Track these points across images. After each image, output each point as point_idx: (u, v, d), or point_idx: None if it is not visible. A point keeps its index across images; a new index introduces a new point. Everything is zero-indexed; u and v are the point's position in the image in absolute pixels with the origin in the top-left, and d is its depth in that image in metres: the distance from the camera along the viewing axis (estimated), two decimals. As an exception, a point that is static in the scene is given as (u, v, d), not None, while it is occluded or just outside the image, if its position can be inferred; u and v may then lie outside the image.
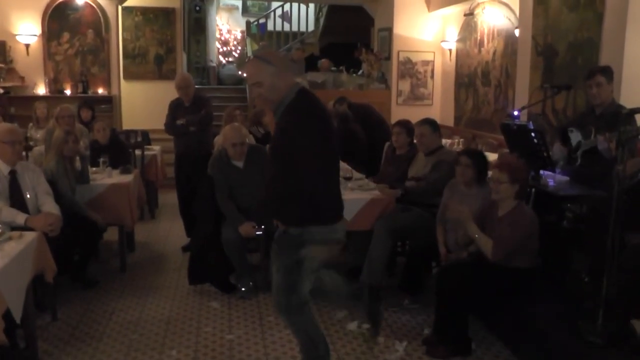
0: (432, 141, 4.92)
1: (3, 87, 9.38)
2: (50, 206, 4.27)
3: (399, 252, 5.20)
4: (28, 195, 4.29)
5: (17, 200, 4.22)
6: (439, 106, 10.00)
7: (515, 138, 4.50)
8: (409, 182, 4.91)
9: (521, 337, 3.89)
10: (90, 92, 10.05)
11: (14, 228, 3.90)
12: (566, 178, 4.30)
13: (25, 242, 3.51)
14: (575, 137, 4.27)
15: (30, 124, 7.50)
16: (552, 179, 4.29)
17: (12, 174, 4.25)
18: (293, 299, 3.10)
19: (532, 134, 4.13)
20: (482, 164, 4.24)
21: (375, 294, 4.56)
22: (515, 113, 4.68)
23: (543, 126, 4.69)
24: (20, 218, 4.03)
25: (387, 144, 6.58)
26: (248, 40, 12.85)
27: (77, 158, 5.21)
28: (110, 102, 10.04)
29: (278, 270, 3.16)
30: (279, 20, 12.80)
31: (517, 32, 7.18)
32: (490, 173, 3.96)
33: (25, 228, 3.92)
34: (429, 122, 4.99)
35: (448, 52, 9.54)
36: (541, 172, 4.32)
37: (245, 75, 2.84)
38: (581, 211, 3.95)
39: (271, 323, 4.29)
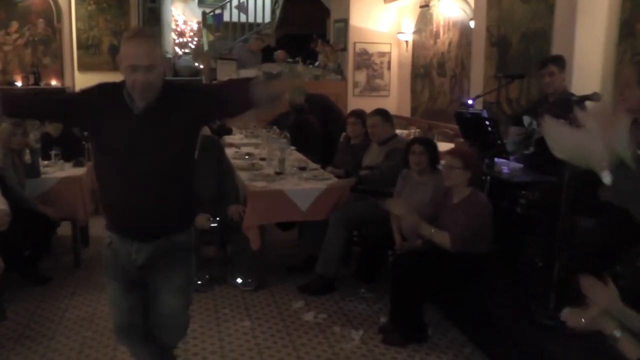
0: (383, 131, 4.94)
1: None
2: (-3, 200, 4.15)
3: (354, 242, 5.21)
4: (-26, 190, 4.16)
5: (-39, 195, 4.10)
6: (395, 97, 10.03)
7: (469, 126, 4.54)
8: (363, 171, 4.92)
9: (476, 323, 3.95)
10: (42, 84, 9.83)
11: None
12: (520, 165, 4.36)
13: (-32, 238, 3.40)
14: (528, 125, 4.33)
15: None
16: (506, 166, 4.34)
17: (-43, 168, 4.13)
18: None
19: (486, 122, 4.17)
20: (434, 151, 4.27)
21: (330, 285, 4.60)
22: (470, 102, 4.73)
23: (497, 115, 4.73)
24: (-35, 214, 3.91)
25: (343, 134, 6.60)
26: (204, 32, 12.68)
27: (27, 151, 5.08)
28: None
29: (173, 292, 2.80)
30: (235, 11, 12.65)
31: (472, 24, 7.24)
32: (442, 161, 3.99)
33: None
34: (380, 113, 5.01)
35: (404, 43, 9.57)
36: (495, 159, 4.36)
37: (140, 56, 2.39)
38: (534, 197, 4.00)
39: (227, 315, 4.25)
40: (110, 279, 2.76)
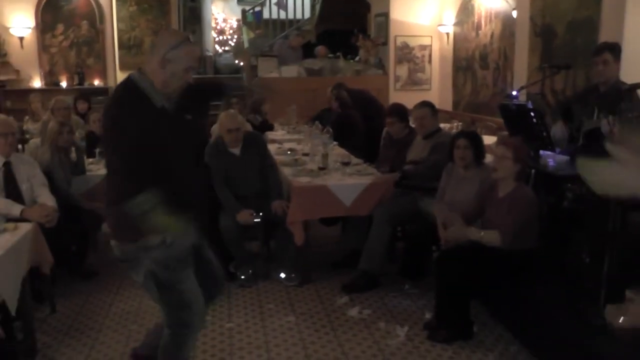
0: (431, 124, 4.88)
1: (-2, 81, 9.33)
2: (46, 197, 4.24)
3: (398, 237, 5.17)
4: (24, 187, 4.25)
5: (12, 191, 4.19)
6: (437, 91, 9.92)
7: (514, 118, 4.44)
8: (407, 165, 4.86)
9: (522, 320, 3.86)
10: (86, 84, 10.01)
11: (10, 219, 3.87)
12: (566, 158, 4.24)
13: (20, 233, 3.48)
14: (577, 114, 4.22)
15: (26, 117, 7.48)
16: (552, 159, 4.23)
17: (7, 165, 4.22)
18: None
19: (532, 114, 4.07)
20: (479, 145, 4.20)
21: (374, 281, 4.56)
22: (514, 93, 4.62)
23: (542, 106, 4.62)
24: (15, 209, 4.00)
25: (385, 129, 6.55)
26: (244, 29, 12.72)
27: (73, 149, 5.16)
28: (107, 93, 9.95)
29: None
30: (274, 8, 12.65)
31: (514, 14, 7.11)
32: (488, 154, 3.90)
33: (21, 219, 3.89)
34: (428, 105, 4.95)
35: (445, 36, 9.46)
36: (540, 152, 4.27)
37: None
38: (581, 191, 3.90)
39: (271, 310, 4.25)
40: (183, 272, 2.74)
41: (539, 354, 3.60)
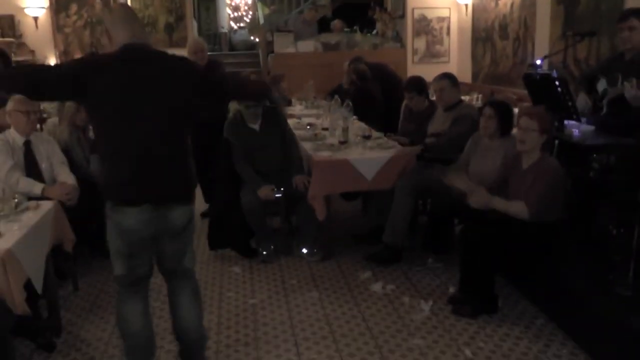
0: (451, 96, 4.79)
1: (14, 62, 9.29)
2: (66, 175, 4.23)
3: (420, 211, 5.11)
4: (43, 166, 4.24)
5: (32, 170, 4.17)
6: (455, 63, 9.78)
7: (538, 88, 4.34)
8: (429, 138, 4.79)
9: (548, 294, 3.80)
10: (101, 63, 9.94)
11: (31, 198, 3.87)
12: (591, 128, 4.15)
13: (42, 212, 3.48)
14: (601, 84, 4.12)
15: (43, 97, 7.45)
16: (577, 129, 4.14)
17: (27, 144, 4.20)
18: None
19: (556, 83, 3.97)
20: (505, 115, 4.11)
21: (397, 255, 4.52)
22: (538, 62, 4.52)
23: (566, 75, 4.51)
24: (37, 188, 3.99)
25: (404, 102, 6.46)
26: (259, 5, 12.60)
27: (90, 128, 5.14)
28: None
29: None
30: (289, -17, 12.55)
31: (535, -18, 6.96)
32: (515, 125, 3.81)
33: (42, 198, 3.89)
34: (448, 76, 4.86)
35: (464, 7, 9.29)
36: (565, 122, 4.17)
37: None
38: (608, 161, 3.81)
39: (294, 286, 4.23)
40: (116, 246, 2.96)
41: (565, 327, 3.55)
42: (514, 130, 4.03)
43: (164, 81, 2.67)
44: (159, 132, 2.67)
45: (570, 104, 3.98)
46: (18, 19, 9.72)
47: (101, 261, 4.77)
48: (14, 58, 9.30)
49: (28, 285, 3.14)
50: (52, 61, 9.87)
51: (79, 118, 4.83)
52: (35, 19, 9.72)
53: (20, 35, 9.79)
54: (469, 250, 3.75)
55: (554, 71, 4.01)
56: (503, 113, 4.12)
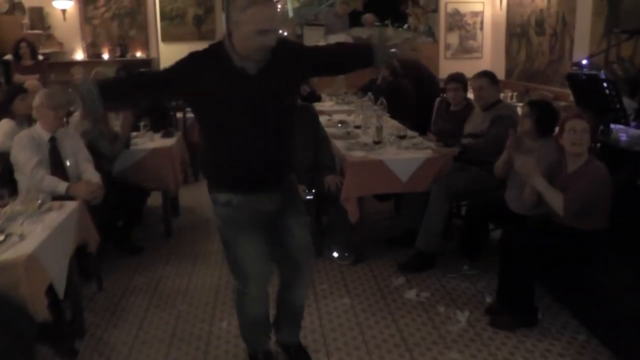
0: (490, 94, 4.58)
1: (43, 54, 9.27)
2: (91, 173, 4.13)
3: (454, 213, 4.92)
4: (68, 163, 4.14)
5: (57, 168, 4.08)
6: (489, 59, 9.54)
7: (583, 89, 4.13)
8: (466, 139, 4.59)
9: (590, 306, 3.58)
10: (128, 56, 9.90)
11: (55, 197, 3.77)
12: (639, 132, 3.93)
13: (66, 212, 3.35)
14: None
15: (69, 90, 7.38)
16: (624, 133, 3.92)
17: (53, 141, 4.11)
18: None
19: (604, 84, 3.76)
20: (543, 115, 3.88)
21: (431, 261, 4.34)
22: (584, 62, 4.29)
23: (613, 77, 4.29)
24: (61, 187, 3.89)
25: (438, 99, 6.26)
26: (289, -3, 12.49)
27: (117, 122, 5.04)
28: (150, 65, 9.86)
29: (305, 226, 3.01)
30: (320, -24, 12.37)
31: (576, -24, 6.69)
32: (563, 125, 3.57)
33: (66, 197, 3.78)
34: (487, 75, 4.65)
35: (499, 1, 9.03)
36: (611, 126, 3.95)
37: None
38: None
39: (325, 292, 4.07)
40: (239, 234, 2.78)
41: (609, 343, 3.34)
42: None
43: None
44: None
45: (618, 106, 3.77)
46: (47, 11, 9.70)
47: (127, 259, 4.70)
48: (42, 50, 9.32)
49: (50, 288, 3.03)
50: (80, 53, 9.83)
51: None
52: (64, 11, 9.67)
53: (49, 27, 9.77)
54: (509, 258, 3.56)
55: (602, 72, 3.79)
56: (540, 112, 3.90)
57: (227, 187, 2.76)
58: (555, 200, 3.43)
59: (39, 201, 3.34)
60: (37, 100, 4.09)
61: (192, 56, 2.64)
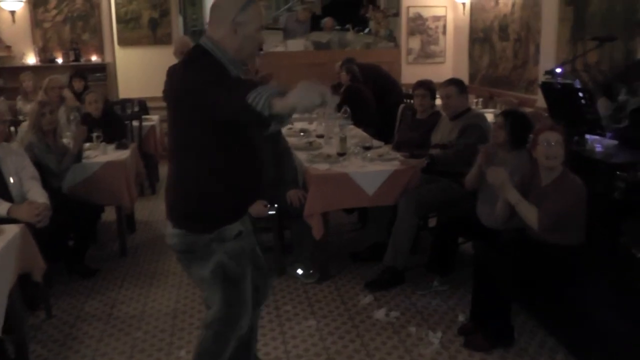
0: (459, 103, 4.43)
1: (-12, 58, 8.87)
2: (37, 192, 3.83)
3: (422, 226, 4.76)
4: (11, 181, 3.84)
5: (-2, 186, 3.78)
6: (451, 64, 9.44)
7: (557, 98, 4.00)
8: (434, 149, 4.43)
9: (567, 323, 3.46)
10: (82, 60, 9.53)
11: (-2, 219, 3.49)
12: (614, 142, 3.82)
13: (6, 239, 3.05)
14: (622, 94, 3.80)
15: (19, 97, 7.07)
16: (599, 144, 3.80)
17: (-7, 157, 3.81)
18: None
19: (580, 94, 3.63)
20: (518, 127, 3.74)
21: (400, 277, 4.17)
22: (558, 70, 4.16)
23: (589, 86, 4.18)
24: (2, 208, 3.60)
25: (402, 106, 6.13)
26: (246, 1, 12.24)
27: (68, 134, 4.75)
28: (104, 70, 9.51)
29: None
30: (278, -22, 12.17)
31: (540, -19, 6.61)
32: (537, 137, 3.42)
33: (8, 219, 3.49)
34: (455, 82, 4.49)
35: (461, 5, 8.94)
36: (586, 136, 3.83)
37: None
38: (636, 179, 3.48)
39: (289, 313, 3.86)
40: (246, 265, 2.50)
41: (588, 360, 3.21)
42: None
43: None
44: None
45: (593, 116, 3.64)
46: (-6, 13, 9.27)
47: (79, 282, 4.41)
48: (-12, 54, 8.89)
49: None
50: (31, 58, 9.44)
51: (44, 121, 4.42)
52: (12, 12, 9.25)
53: (-4, 31, 9.33)
54: (483, 275, 3.42)
55: (577, 81, 3.67)
56: (514, 124, 3.76)
57: (238, 216, 2.46)
58: (529, 213, 3.29)
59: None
60: (-26, 113, 3.79)
61: (207, 74, 2.25)
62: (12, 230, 3.17)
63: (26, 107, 6.55)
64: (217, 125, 2.21)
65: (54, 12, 9.41)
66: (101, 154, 4.95)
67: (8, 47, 9.31)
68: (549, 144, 3.27)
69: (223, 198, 2.36)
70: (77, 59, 9.48)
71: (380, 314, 3.80)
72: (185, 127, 2.31)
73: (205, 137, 2.27)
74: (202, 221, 2.38)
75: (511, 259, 3.29)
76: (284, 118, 2.01)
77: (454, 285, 4.11)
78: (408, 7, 9.28)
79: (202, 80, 2.18)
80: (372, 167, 4.26)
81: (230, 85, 2.16)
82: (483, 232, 3.84)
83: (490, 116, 5.96)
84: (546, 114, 4.63)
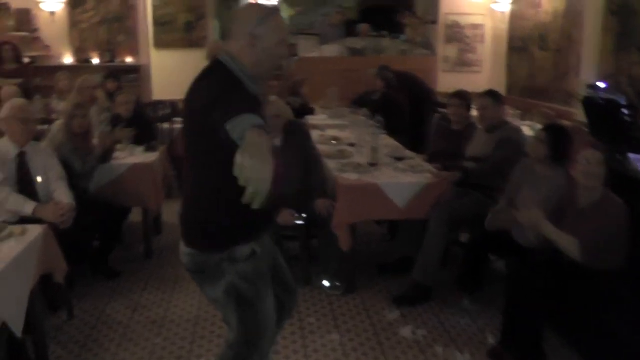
0: (494, 115, 4.29)
1: (28, 57, 8.95)
2: (63, 193, 3.80)
3: (453, 241, 4.61)
4: (39, 179, 3.82)
5: (26, 185, 3.78)
6: (488, 73, 9.25)
7: (600, 114, 3.83)
8: (468, 162, 4.29)
9: (602, 351, 3.26)
10: (117, 61, 9.59)
11: (24, 219, 3.45)
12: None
13: (27, 240, 3.01)
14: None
15: (54, 95, 7.10)
16: (643, 162, 3.64)
17: (22, 156, 3.80)
18: None
19: (624, 110, 3.46)
20: (559, 142, 3.59)
21: (428, 293, 4.04)
22: (602, 85, 3.99)
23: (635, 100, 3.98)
24: (28, 207, 3.57)
25: (437, 116, 5.99)
26: (283, 6, 12.20)
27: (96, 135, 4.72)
28: (138, 72, 9.55)
29: None
30: (315, -16, 12.09)
31: (583, -10, 6.40)
32: (576, 155, 3.28)
33: (34, 219, 3.45)
34: (492, 94, 4.36)
35: (500, 14, 8.76)
36: (629, 155, 3.65)
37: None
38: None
39: (312, 326, 3.75)
40: (262, 287, 2.36)
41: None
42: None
43: None
44: None
45: (638, 134, 3.47)
46: (34, 13, 9.38)
47: (102, 283, 4.38)
48: (28, 53, 8.98)
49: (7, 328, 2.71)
50: (68, 57, 9.53)
51: (75, 124, 4.39)
52: (52, 13, 9.36)
53: (35, 30, 9.44)
54: (515, 297, 3.27)
55: (622, 98, 3.50)
56: (556, 138, 3.60)
57: (251, 235, 2.32)
58: (570, 246, 3.14)
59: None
60: (4, 111, 3.78)
61: (217, 91, 2.14)
62: (35, 231, 3.13)
63: (60, 106, 6.57)
64: (225, 143, 2.05)
65: (91, 13, 9.48)
66: (129, 156, 4.92)
67: (47, 47, 9.43)
68: (589, 162, 3.12)
69: (232, 218, 2.23)
70: (112, 60, 9.55)
71: (406, 331, 3.67)
72: (196, 142, 2.22)
73: (214, 154, 2.14)
74: (212, 240, 2.29)
75: (546, 281, 3.15)
76: None
77: (485, 305, 3.97)
78: (446, 15, 9.12)
79: (211, 96, 2.07)
80: (403, 179, 4.13)
81: (232, 105, 2.00)
82: (517, 249, 3.69)
83: (526, 129, 5.81)
84: (586, 129, 4.46)
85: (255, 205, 1.70)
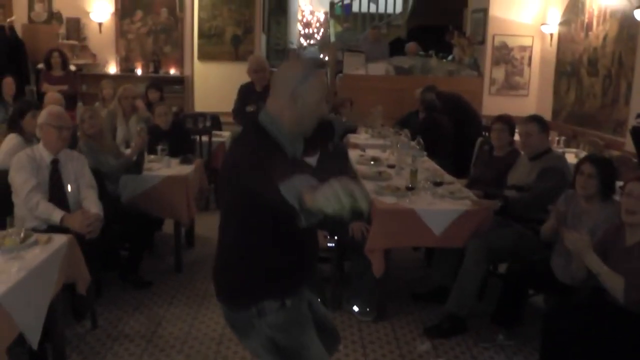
0: (539, 142, 4.11)
1: (76, 65, 9.13)
2: (92, 202, 3.77)
3: (490, 272, 4.42)
4: (69, 188, 3.80)
5: (57, 193, 3.75)
6: (535, 97, 9.05)
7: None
8: (510, 190, 4.12)
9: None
10: (161, 72, 9.69)
11: (52, 226, 3.43)
12: None
13: (51, 249, 2.97)
14: None
15: (97, 103, 7.17)
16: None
17: (55, 163, 3.79)
18: None
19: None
20: (609, 176, 3.41)
21: (462, 325, 3.87)
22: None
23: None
24: (56, 216, 3.54)
25: (480, 140, 5.82)
26: (331, 22, 12.16)
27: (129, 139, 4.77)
28: (182, 83, 9.62)
29: None
30: (365, 1, 12.04)
31: (637, 14, 6.18)
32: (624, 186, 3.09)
33: (62, 228, 3.42)
34: (537, 120, 4.18)
35: (549, 36, 8.56)
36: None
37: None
38: None
39: (340, 353, 3.59)
40: (303, 333, 2.28)
41: None
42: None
43: None
44: None
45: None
46: (83, 23, 9.60)
47: (129, 293, 4.33)
48: (75, 61, 9.17)
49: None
50: (113, 66, 9.67)
51: (86, 126, 4.53)
52: (100, 24, 9.55)
53: (84, 39, 9.65)
54: (553, 337, 3.08)
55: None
56: (605, 171, 3.41)
57: (276, 294, 2.22)
58: (615, 284, 2.93)
59: (22, 234, 2.96)
60: (41, 117, 3.78)
61: (254, 156, 2.10)
62: (59, 240, 3.09)
63: (103, 113, 6.61)
64: (260, 206, 2.07)
65: (139, 24, 9.65)
66: (164, 167, 4.88)
67: (94, 56, 9.64)
68: (631, 196, 2.93)
69: (257, 275, 2.20)
70: (156, 71, 9.67)
71: (438, 363, 3.52)
72: (232, 204, 2.21)
73: (248, 217, 2.15)
74: (238, 297, 2.25)
75: (586, 324, 2.95)
76: (313, 216, 1.77)
77: (521, 341, 3.76)
78: (494, 35, 8.97)
79: (248, 162, 2.04)
80: (441, 205, 3.98)
81: (272, 171, 1.93)
82: (556, 286, 3.50)
83: (571, 156, 5.60)
84: (635, 160, 4.25)
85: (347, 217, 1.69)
